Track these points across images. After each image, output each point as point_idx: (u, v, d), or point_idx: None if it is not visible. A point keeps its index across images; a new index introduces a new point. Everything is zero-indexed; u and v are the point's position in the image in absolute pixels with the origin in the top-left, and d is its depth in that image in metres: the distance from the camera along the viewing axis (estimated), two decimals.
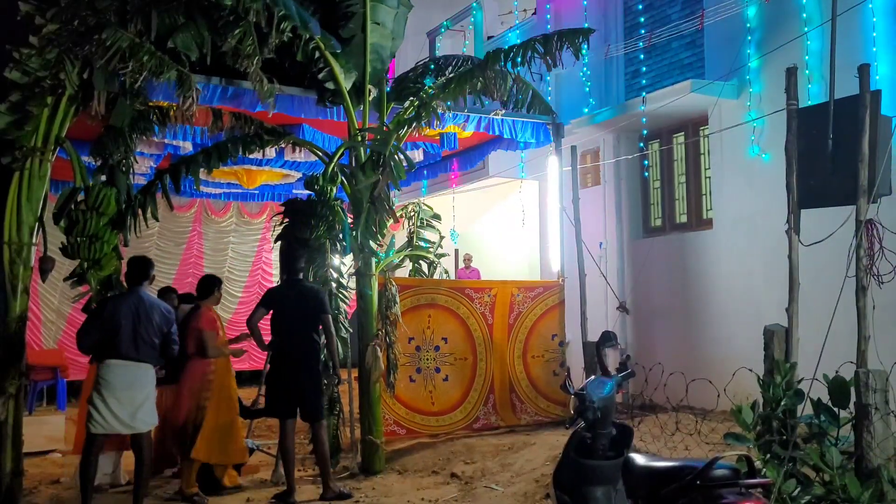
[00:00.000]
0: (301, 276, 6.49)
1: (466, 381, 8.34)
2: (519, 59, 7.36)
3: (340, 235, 7.25)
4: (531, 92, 8.41)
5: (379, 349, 7.29)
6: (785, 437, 4.72)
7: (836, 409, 4.69)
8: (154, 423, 5.79)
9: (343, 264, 7.68)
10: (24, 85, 5.74)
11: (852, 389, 4.63)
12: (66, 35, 5.75)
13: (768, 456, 4.69)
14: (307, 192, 7.35)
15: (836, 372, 4.74)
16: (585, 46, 7.58)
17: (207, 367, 6.37)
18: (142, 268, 5.86)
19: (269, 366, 6.44)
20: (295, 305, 6.20)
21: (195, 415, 6.31)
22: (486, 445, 7.56)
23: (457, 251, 12.70)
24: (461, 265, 12.30)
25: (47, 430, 8.32)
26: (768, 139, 8.12)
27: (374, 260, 7.44)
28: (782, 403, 4.82)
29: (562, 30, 7.73)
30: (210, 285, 6.62)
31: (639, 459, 3.74)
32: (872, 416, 4.52)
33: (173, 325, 5.83)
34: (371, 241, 7.21)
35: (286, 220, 7.14)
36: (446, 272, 9.61)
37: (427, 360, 8.15)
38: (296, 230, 7.26)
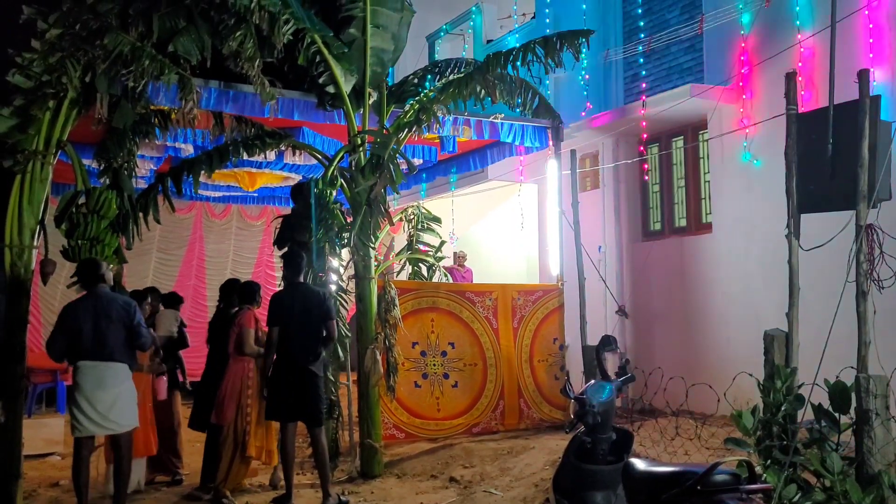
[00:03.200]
0: (302, 278, 6.49)
1: (477, 387, 8.30)
2: (519, 62, 7.38)
3: (342, 238, 7.27)
4: (538, 97, 8.43)
5: (378, 353, 7.28)
6: (785, 443, 4.72)
7: (836, 415, 4.69)
8: (132, 423, 5.72)
9: (343, 267, 7.69)
10: (27, 89, 5.76)
11: (853, 395, 4.63)
12: (69, 39, 5.76)
13: (769, 461, 4.70)
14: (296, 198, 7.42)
15: (837, 377, 4.74)
16: (585, 49, 7.61)
17: (247, 365, 6.53)
18: (91, 269, 5.82)
19: (271, 369, 6.46)
20: (299, 310, 6.20)
21: (240, 414, 6.44)
22: (485, 449, 7.56)
23: (455, 254, 12.69)
24: (453, 263, 12.24)
25: (46, 433, 8.32)
26: (766, 144, 8.13)
27: (373, 263, 7.44)
28: (783, 408, 4.82)
29: (561, 32, 7.76)
30: (252, 292, 6.87)
31: (639, 464, 3.74)
32: (873, 422, 4.53)
33: (136, 317, 5.73)
34: (366, 243, 7.22)
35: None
36: (446, 276, 9.62)
37: (434, 365, 8.12)
38: (296, 233, 7.28)
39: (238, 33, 6.38)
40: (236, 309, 6.87)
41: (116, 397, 5.57)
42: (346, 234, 7.27)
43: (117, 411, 5.57)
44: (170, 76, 6.11)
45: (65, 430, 8.38)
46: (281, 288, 6.66)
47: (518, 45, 7.83)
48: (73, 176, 6.51)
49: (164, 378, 6.76)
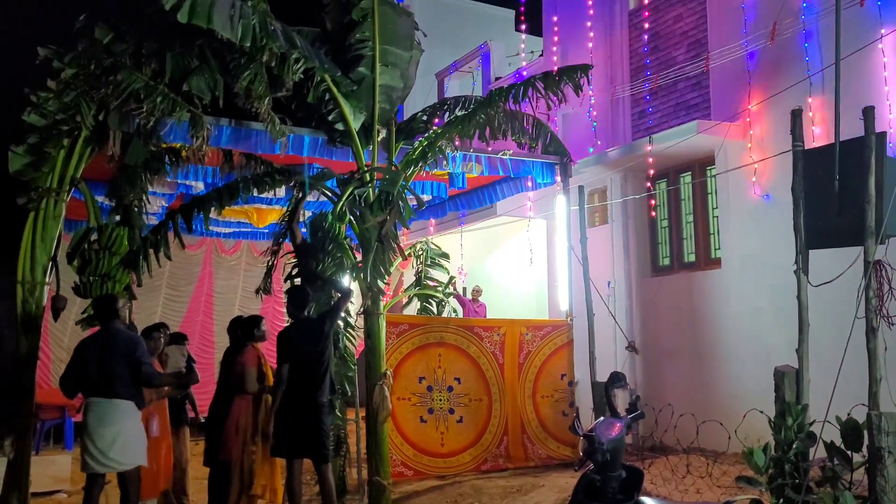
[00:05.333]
0: (306, 313, 6.49)
1: (481, 422, 8.26)
2: (521, 97, 7.47)
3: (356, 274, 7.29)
4: (548, 134, 8.50)
5: (387, 389, 7.25)
6: (798, 481, 4.66)
7: (849, 453, 4.64)
8: (136, 461, 5.62)
9: (351, 303, 7.69)
10: (42, 127, 5.86)
11: (865, 432, 4.58)
12: (83, 78, 5.87)
13: (781, 500, 4.64)
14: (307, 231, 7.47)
15: (849, 414, 4.70)
16: (588, 84, 7.69)
17: (251, 403, 6.47)
18: (106, 305, 5.81)
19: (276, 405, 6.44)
20: (300, 346, 6.19)
21: (245, 452, 6.39)
22: (494, 487, 7.49)
23: (464, 289, 12.70)
24: (468, 297, 12.28)
25: (54, 470, 8.28)
26: (774, 180, 8.16)
27: (381, 298, 7.45)
28: (794, 446, 4.77)
29: (561, 67, 7.85)
30: (250, 327, 6.75)
31: (649, 503, 3.70)
32: (886, 460, 4.48)
33: (139, 352, 5.64)
34: (379, 280, 7.24)
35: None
36: (454, 311, 9.61)
37: (440, 400, 8.09)
38: (303, 267, 7.31)
39: (248, 72, 6.48)
40: (234, 346, 6.81)
41: (117, 434, 5.49)
42: (358, 271, 7.29)
43: (118, 449, 5.48)
44: (181, 114, 6.20)
45: (72, 467, 8.37)
46: (287, 324, 6.67)
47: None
48: (86, 212, 6.58)
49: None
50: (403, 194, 7.05)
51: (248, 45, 6.06)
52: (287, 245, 11.48)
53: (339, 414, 7.15)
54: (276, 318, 13.20)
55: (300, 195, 7.73)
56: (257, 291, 8.74)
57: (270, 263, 8.50)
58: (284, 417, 6.16)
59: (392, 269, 7.93)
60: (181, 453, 7.20)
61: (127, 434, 5.56)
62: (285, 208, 10.54)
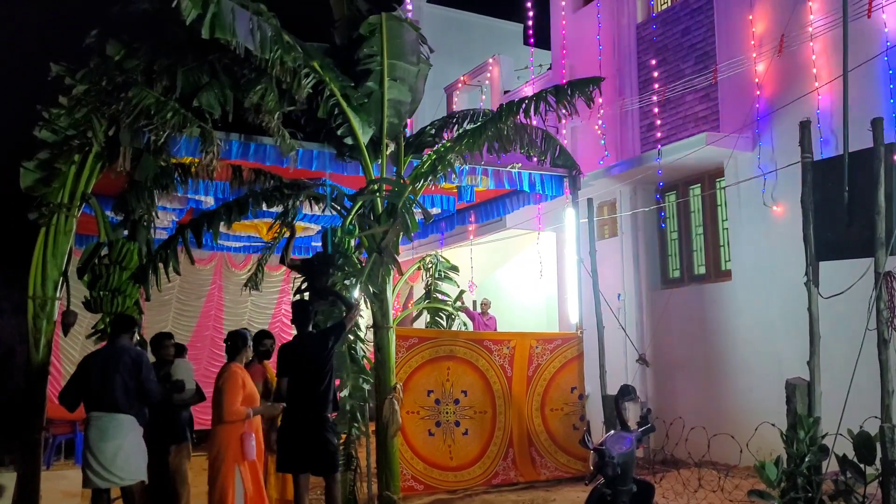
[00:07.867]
0: (310, 328, 6.47)
1: (486, 435, 8.25)
2: (532, 110, 7.47)
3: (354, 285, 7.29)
4: (558, 147, 8.51)
5: (397, 403, 7.24)
6: (810, 495, 4.62)
7: (861, 466, 4.59)
8: (138, 477, 5.60)
9: (361, 317, 7.69)
10: (53, 143, 5.92)
11: (878, 445, 4.54)
12: (95, 94, 5.94)
13: None
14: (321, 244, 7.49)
15: (861, 427, 4.66)
16: (599, 97, 7.70)
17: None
18: (123, 322, 5.83)
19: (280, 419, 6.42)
20: (304, 358, 6.17)
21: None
22: (505, 501, 7.46)
23: (474, 302, 12.70)
24: (477, 310, 12.29)
25: (64, 485, 8.24)
26: (783, 191, 8.13)
27: (391, 312, 7.45)
28: (807, 459, 4.74)
29: (572, 80, 7.86)
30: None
31: None
32: None
33: (145, 369, 5.63)
34: (373, 290, 7.23)
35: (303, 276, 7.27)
36: (464, 324, 9.59)
37: (447, 413, 8.08)
38: (314, 281, 7.32)
39: (259, 87, 6.53)
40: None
41: (118, 449, 5.48)
42: (355, 280, 7.28)
43: (120, 463, 5.47)
44: (192, 129, 6.25)
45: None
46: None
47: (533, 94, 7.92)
48: (96, 228, 6.63)
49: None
50: (410, 207, 7.06)
51: (268, 56, 6.08)
52: (296, 259, 11.50)
53: (356, 424, 7.13)
54: (284, 331, 13.22)
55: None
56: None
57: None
58: (288, 432, 6.13)
59: (399, 285, 7.93)
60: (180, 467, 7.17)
61: (128, 449, 5.54)
62: (295, 222, 10.59)
